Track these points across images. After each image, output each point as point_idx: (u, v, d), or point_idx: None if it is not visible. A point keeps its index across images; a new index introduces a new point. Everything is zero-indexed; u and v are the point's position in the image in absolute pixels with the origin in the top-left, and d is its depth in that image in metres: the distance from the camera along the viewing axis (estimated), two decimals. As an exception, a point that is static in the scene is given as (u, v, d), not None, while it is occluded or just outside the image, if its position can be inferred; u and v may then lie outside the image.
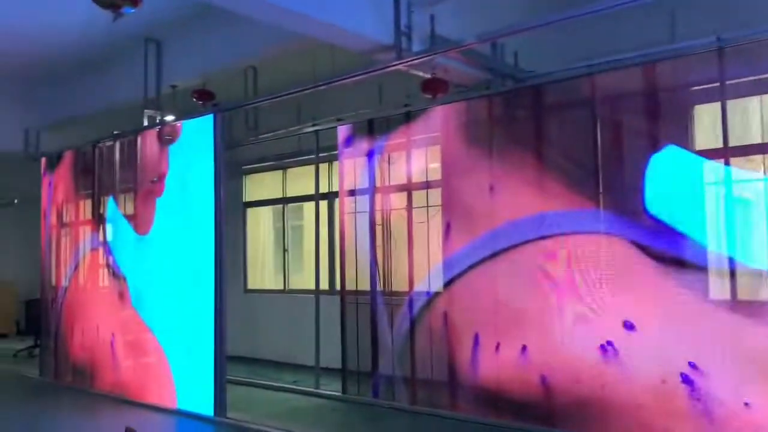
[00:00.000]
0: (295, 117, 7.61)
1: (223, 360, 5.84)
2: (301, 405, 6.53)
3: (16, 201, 13.55)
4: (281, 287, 9.17)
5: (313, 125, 7.02)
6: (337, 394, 6.64)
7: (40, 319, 10.31)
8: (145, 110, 6.67)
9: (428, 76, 5.13)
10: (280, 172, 9.25)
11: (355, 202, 6.68)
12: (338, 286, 6.94)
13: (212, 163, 5.96)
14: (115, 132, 7.07)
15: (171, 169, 6.48)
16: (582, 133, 4.97)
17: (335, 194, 7.45)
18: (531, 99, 5.32)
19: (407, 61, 4.80)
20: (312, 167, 8.79)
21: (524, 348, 5.11)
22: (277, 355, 8.69)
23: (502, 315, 5.32)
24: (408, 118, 6.16)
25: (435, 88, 5.17)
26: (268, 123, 8.09)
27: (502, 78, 5.45)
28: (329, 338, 6.92)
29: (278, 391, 7.12)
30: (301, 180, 9.11)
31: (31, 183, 13.27)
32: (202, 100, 6.65)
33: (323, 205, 8.73)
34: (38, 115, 8.64)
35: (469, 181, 5.59)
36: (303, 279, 9.03)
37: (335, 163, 8.42)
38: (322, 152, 8.25)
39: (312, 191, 8.77)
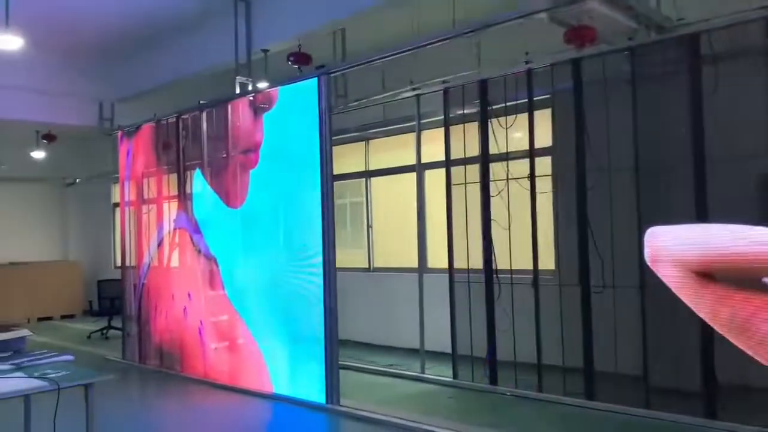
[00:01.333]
0: (379, 83, 7.07)
1: (334, 344, 5.39)
2: (411, 391, 6.08)
3: (78, 180, 13.39)
4: (364, 265, 8.71)
5: (413, 89, 6.44)
6: (446, 379, 6.17)
7: (113, 300, 10.28)
8: (237, 77, 6.17)
9: (574, 23, 4.51)
10: (362, 143, 8.73)
11: (465, 172, 6.13)
12: (432, 264, 6.47)
13: (317, 130, 5.46)
14: (201, 101, 6.61)
15: (266, 139, 6.01)
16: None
17: (425, 165, 6.93)
18: (687, 51, 4.68)
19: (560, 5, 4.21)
20: (393, 138, 8.41)
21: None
22: (362, 337, 8.26)
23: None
24: (528, 77, 5.60)
25: (582, 36, 4.55)
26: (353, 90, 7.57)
27: (646, 28, 4.79)
28: (425, 319, 6.46)
29: (375, 375, 6.68)
30: (378, 152, 8.62)
31: (93, 160, 13.25)
32: (299, 63, 6.14)
33: (411, 177, 8.23)
34: (112, 87, 8.26)
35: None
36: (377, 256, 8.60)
37: (424, 132, 7.99)
38: (411, 121, 7.77)
39: (393, 163, 8.39)
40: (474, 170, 6.13)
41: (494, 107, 5.87)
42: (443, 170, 6.66)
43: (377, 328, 8.04)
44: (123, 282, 8.18)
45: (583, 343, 5.26)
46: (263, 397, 5.87)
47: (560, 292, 5.42)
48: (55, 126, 8.33)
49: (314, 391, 5.47)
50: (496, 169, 5.93)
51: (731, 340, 3.59)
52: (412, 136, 8.12)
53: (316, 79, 5.47)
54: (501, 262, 5.87)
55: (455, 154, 6.26)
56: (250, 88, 6.28)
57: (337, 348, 5.41)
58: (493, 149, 5.90)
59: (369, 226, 8.72)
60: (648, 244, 3.86)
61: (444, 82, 6.19)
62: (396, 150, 8.50)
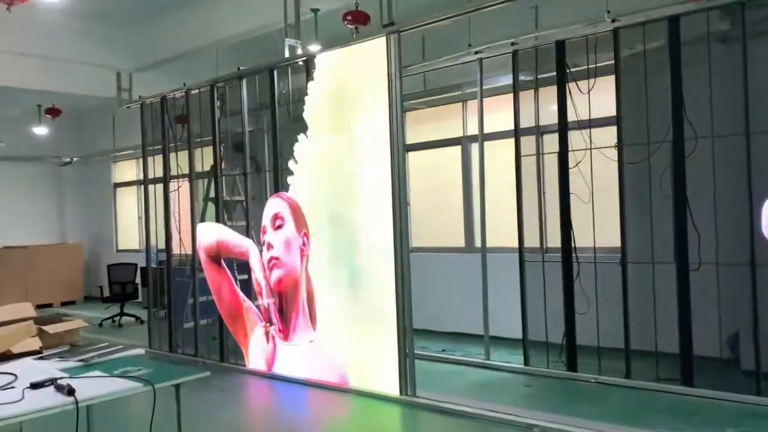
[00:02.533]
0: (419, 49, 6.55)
1: (409, 333, 4.92)
2: (480, 379, 5.64)
3: (75, 159, 12.67)
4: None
5: (476, 52, 5.92)
6: (516, 366, 5.74)
7: (125, 285, 9.68)
8: (286, 39, 5.58)
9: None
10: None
11: (541, 142, 5.66)
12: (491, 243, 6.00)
13: (386, 95, 4.93)
14: (240, 68, 6.02)
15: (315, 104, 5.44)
16: None
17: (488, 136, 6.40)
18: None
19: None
20: (430, 110, 7.87)
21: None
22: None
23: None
24: (616, 36, 5.12)
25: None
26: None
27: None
28: (475, 301, 6.03)
29: (431, 361, 6.23)
30: (414, 125, 8.09)
31: (89, 139, 12.51)
32: (357, 23, 5.57)
33: (450, 151, 7.74)
34: (131, 56, 7.59)
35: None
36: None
37: (469, 102, 7.51)
38: (455, 91, 7.28)
39: (433, 137, 7.86)
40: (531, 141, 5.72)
41: (573, 70, 5.38)
42: (491, 143, 6.28)
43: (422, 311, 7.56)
44: (150, 269, 7.52)
45: (679, 325, 4.86)
46: (327, 389, 5.38)
47: (653, 270, 4.98)
48: (69, 97, 7.63)
49: (383, 382, 5.01)
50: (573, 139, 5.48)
51: None
52: (450, 108, 7.68)
53: (384, 37, 4.94)
54: (580, 239, 5.44)
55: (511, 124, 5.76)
56: (299, 51, 5.69)
57: (411, 336, 4.93)
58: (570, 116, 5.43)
59: (407, 204, 8.21)
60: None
61: (513, 44, 5.69)
62: (435, 122, 8.00)
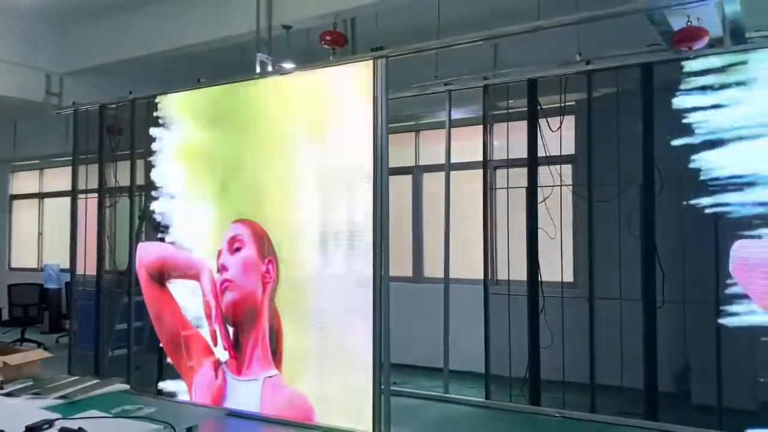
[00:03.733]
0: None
1: (385, 368, 4.71)
2: (444, 414, 5.53)
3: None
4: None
5: (445, 84, 5.95)
6: (479, 400, 5.69)
7: (28, 307, 8.76)
8: (258, 54, 5.30)
9: (684, 24, 4.25)
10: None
11: (493, 175, 5.72)
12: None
13: (371, 120, 4.79)
14: (200, 80, 5.67)
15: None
16: None
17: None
18: None
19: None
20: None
21: None
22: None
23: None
24: (589, 77, 5.31)
25: (691, 38, 4.31)
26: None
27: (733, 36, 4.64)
28: (430, 333, 5.97)
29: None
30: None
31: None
32: (336, 45, 5.40)
33: (406, 180, 7.70)
34: (63, 58, 6.97)
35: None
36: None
37: (421, 133, 7.54)
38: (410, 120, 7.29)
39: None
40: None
41: (544, 107, 5.51)
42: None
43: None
44: (73, 290, 6.84)
45: (645, 361, 5.01)
46: (302, 427, 5.04)
47: (621, 307, 5.13)
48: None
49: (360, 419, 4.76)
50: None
51: None
52: (406, 136, 7.66)
53: (371, 62, 4.82)
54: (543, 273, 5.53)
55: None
56: (270, 68, 5.44)
57: (388, 372, 4.73)
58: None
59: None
60: (735, 255, 3.55)
61: (485, 78, 5.76)
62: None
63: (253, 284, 5.31)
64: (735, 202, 4.61)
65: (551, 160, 5.53)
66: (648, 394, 4.99)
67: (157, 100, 5.90)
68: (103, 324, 6.49)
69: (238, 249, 5.43)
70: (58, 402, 2.81)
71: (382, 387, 4.71)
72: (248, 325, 5.34)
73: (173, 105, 5.85)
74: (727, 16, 4.39)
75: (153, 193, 5.93)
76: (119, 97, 6.26)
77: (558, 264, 5.51)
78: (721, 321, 4.68)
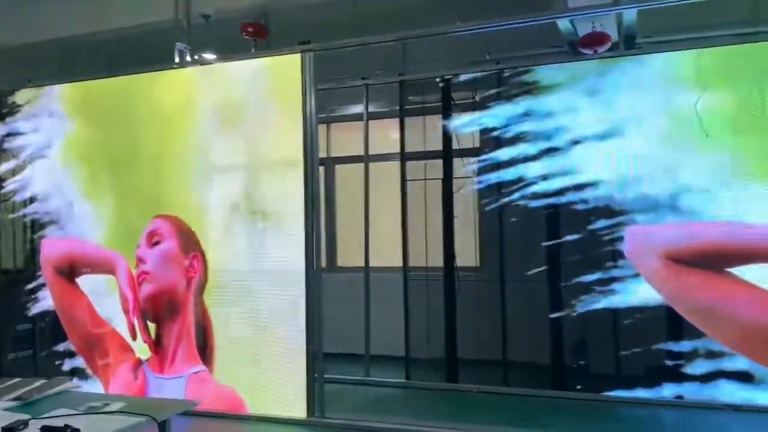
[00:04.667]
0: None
1: (319, 356, 4.84)
2: (370, 396, 5.73)
3: None
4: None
5: (363, 78, 6.12)
6: (400, 381, 5.94)
7: None
8: (177, 43, 5.18)
9: (589, 29, 4.70)
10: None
11: (425, 168, 6.00)
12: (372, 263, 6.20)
13: (300, 115, 4.88)
14: (111, 68, 5.46)
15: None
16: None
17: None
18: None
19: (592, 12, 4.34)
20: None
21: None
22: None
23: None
24: (499, 77, 5.68)
25: (596, 42, 4.76)
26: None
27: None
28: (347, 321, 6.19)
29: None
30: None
31: None
32: (258, 37, 5.38)
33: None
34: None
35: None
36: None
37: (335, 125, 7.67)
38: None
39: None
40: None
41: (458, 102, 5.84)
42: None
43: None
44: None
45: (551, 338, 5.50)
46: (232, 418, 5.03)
47: (528, 288, 5.58)
48: None
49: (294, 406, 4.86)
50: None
51: (692, 321, 4.15)
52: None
53: (299, 55, 4.89)
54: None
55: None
56: (188, 58, 5.34)
57: (321, 359, 4.86)
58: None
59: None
60: (629, 240, 4.24)
61: (400, 74, 6.01)
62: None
63: (174, 278, 5.22)
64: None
65: (464, 153, 5.88)
66: (555, 367, 5.49)
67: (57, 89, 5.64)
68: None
69: (157, 243, 5.31)
70: (12, 404, 2.71)
71: (316, 375, 4.84)
72: (170, 320, 5.25)
73: (74, 94, 5.61)
74: (624, 24, 4.90)
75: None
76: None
77: (471, 250, 5.89)
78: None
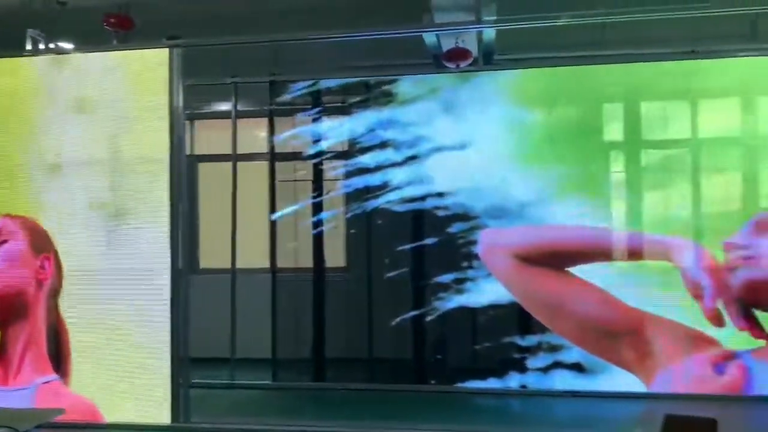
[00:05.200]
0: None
1: (184, 361, 4.72)
2: (235, 400, 5.66)
3: None
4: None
5: (233, 76, 6.05)
6: (265, 383, 5.93)
7: None
8: (29, 30, 4.80)
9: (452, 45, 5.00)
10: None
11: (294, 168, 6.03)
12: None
13: (165, 111, 4.73)
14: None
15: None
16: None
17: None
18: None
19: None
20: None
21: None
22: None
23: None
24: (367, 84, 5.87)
25: (459, 57, 5.06)
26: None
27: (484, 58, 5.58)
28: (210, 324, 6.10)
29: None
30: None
31: None
32: (118, 28, 5.12)
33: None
34: None
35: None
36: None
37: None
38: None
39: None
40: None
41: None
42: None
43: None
44: None
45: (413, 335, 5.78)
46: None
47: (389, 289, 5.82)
48: None
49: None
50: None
51: (537, 317, 4.83)
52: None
53: (167, 50, 4.75)
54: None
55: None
56: (42, 45, 4.97)
57: (187, 364, 4.74)
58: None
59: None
60: (482, 242, 4.80)
61: (272, 74, 6.01)
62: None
63: (23, 280, 4.86)
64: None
65: (332, 156, 6.00)
66: (417, 362, 5.77)
67: None
68: None
69: (4, 242, 4.90)
70: None
71: (181, 380, 4.72)
72: (16, 325, 4.86)
73: None
74: (483, 41, 5.28)
75: None
76: None
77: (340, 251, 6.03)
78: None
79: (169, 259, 4.69)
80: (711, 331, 4.97)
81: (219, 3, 5.48)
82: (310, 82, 5.93)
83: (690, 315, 5.00)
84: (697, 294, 4.95)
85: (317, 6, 5.62)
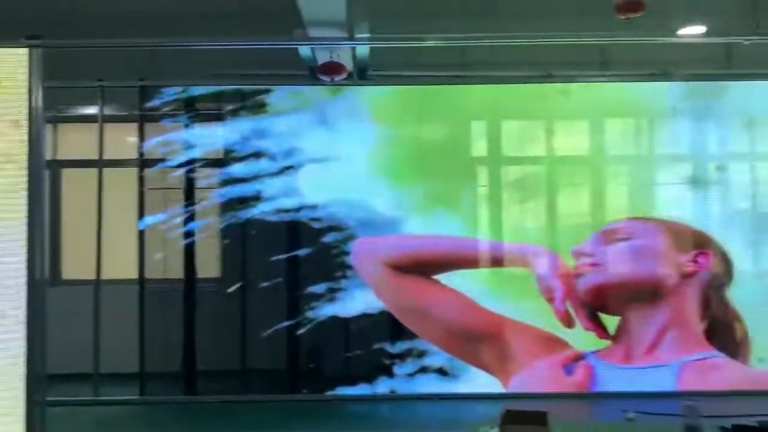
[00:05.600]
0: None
1: (42, 378, 4.46)
2: (100, 417, 5.40)
3: None
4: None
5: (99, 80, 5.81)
6: (133, 398, 5.70)
7: None
8: None
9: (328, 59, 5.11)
10: None
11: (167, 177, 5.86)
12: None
13: (23, 113, 4.48)
14: None
15: None
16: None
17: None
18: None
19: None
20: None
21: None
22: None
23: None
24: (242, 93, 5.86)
25: (333, 71, 5.16)
26: None
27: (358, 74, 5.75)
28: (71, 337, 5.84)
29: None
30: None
31: None
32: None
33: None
34: None
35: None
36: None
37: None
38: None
39: None
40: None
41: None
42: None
43: None
44: None
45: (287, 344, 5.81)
46: None
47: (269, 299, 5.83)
48: None
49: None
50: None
51: (406, 324, 5.22)
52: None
53: (27, 50, 4.50)
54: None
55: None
56: None
57: (44, 381, 4.48)
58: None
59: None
60: (355, 251, 5.12)
61: (141, 79, 5.84)
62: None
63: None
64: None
65: (206, 165, 5.91)
66: (291, 371, 5.81)
67: None
68: None
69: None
70: None
71: (36, 398, 4.46)
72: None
73: None
74: (358, 57, 5.45)
75: None
76: None
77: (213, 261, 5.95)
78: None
79: (25, 270, 4.44)
80: (562, 333, 5.42)
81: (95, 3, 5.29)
82: (182, 88, 5.82)
83: (544, 318, 5.43)
84: (550, 297, 5.38)
85: (198, 11, 5.56)
